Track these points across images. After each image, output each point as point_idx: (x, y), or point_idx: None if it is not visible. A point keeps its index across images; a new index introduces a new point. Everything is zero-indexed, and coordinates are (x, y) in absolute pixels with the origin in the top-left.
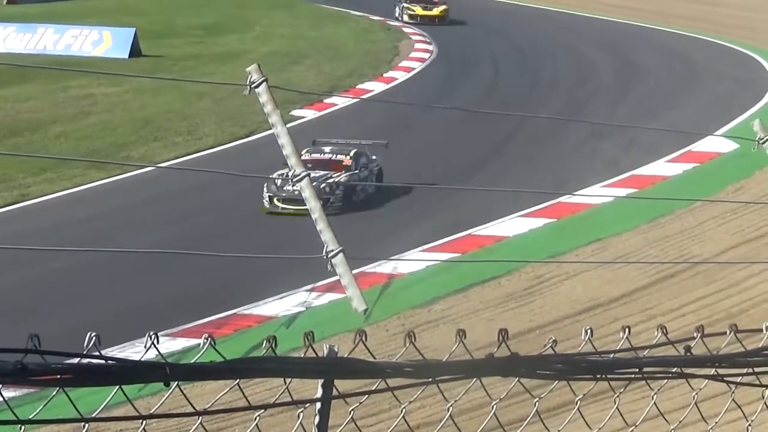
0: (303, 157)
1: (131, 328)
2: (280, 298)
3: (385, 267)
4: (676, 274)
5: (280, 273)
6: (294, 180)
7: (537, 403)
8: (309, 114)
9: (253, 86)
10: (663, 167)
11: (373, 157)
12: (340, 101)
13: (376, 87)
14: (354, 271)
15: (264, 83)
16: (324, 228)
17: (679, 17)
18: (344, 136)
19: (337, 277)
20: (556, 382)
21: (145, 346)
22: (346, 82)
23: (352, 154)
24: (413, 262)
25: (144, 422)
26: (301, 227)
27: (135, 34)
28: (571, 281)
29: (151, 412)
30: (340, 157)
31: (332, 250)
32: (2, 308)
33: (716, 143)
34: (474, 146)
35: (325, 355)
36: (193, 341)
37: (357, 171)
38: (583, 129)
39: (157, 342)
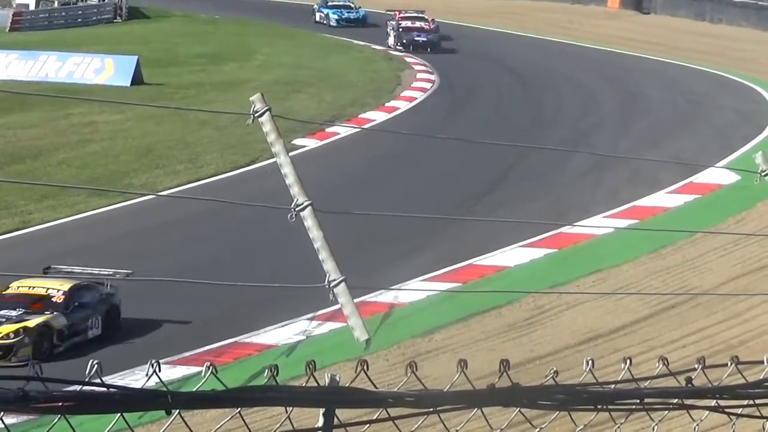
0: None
1: (131, 355)
2: (281, 326)
3: (385, 296)
4: (676, 305)
5: (281, 302)
6: (296, 210)
7: None
8: (311, 143)
9: (256, 115)
10: (664, 198)
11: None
12: (342, 131)
13: (378, 117)
14: (355, 300)
15: (267, 112)
16: (326, 257)
17: (687, 50)
18: (346, 166)
19: (337, 306)
20: (558, 412)
21: (146, 374)
22: (348, 112)
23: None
24: (412, 292)
25: None
26: (302, 255)
27: (137, 62)
28: (571, 311)
29: None
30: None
31: (334, 280)
32: None
33: (717, 175)
34: (476, 176)
35: (326, 384)
36: (193, 369)
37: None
38: (585, 160)
39: (159, 370)
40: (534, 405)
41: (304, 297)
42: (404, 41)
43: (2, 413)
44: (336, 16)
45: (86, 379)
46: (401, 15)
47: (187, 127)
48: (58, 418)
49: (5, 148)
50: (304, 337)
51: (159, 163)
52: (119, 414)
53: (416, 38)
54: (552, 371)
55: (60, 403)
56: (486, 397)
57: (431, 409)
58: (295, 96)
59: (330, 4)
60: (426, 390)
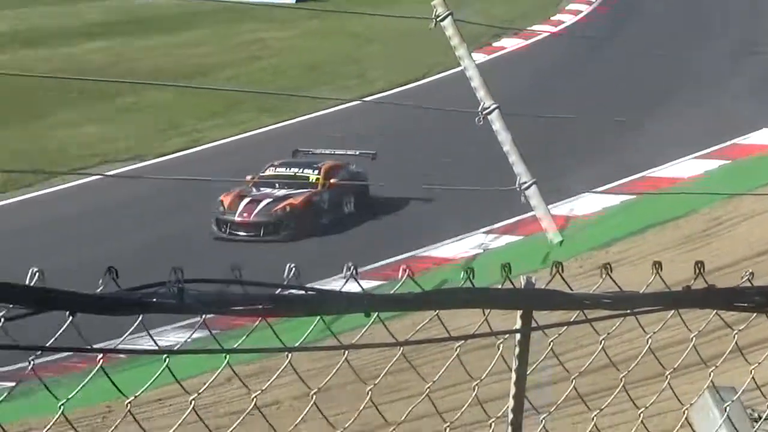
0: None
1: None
2: (457, 240)
3: (561, 209)
4: None
5: (453, 214)
6: (483, 113)
7: (735, 337)
8: (478, 57)
9: (438, 20)
10: None
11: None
12: (509, 44)
13: (543, 30)
14: (530, 214)
15: (449, 17)
16: (516, 160)
17: None
18: (517, 78)
19: (512, 219)
20: (754, 316)
21: (344, 277)
22: (515, 25)
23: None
24: (588, 203)
25: (346, 353)
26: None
27: None
28: (748, 223)
29: (353, 342)
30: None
31: (525, 182)
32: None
33: None
34: (646, 87)
35: (522, 286)
36: (373, 282)
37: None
38: (758, 70)
39: (356, 273)
40: (730, 306)
41: (477, 210)
42: None
43: (204, 316)
44: None
45: (284, 282)
46: None
47: (355, 43)
48: (257, 323)
49: (174, 67)
50: (482, 251)
51: (327, 80)
52: (318, 318)
53: None
54: (748, 273)
55: (260, 305)
56: (682, 299)
57: (628, 311)
58: (461, 10)
59: None
60: (623, 292)
